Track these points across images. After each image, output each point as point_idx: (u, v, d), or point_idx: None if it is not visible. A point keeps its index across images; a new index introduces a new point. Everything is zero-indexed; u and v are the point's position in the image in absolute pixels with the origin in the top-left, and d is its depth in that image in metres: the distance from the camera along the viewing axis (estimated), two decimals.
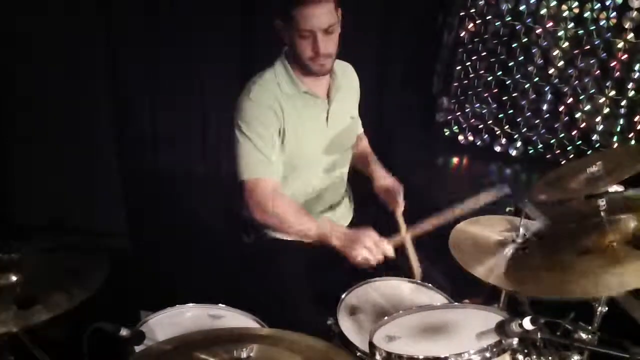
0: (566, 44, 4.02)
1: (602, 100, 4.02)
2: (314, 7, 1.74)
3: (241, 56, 3.12)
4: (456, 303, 1.69)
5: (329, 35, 1.80)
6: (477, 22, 4.23)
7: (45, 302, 1.47)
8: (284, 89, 1.90)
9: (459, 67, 4.36)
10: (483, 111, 4.38)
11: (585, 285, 1.36)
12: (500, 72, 4.27)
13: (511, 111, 4.30)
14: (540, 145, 4.25)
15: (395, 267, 1.87)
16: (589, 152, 4.02)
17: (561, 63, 4.07)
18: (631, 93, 3.94)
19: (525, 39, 4.13)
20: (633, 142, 3.96)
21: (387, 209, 2.02)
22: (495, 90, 4.32)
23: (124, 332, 1.42)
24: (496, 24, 4.19)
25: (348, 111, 2.07)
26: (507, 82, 4.26)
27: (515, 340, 1.34)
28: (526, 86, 4.20)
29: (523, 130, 4.28)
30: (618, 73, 3.94)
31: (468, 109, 4.41)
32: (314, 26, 1.77)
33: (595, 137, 4.09)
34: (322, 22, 1.77)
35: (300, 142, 1.93)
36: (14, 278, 1.57)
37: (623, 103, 3.98)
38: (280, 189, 1.87)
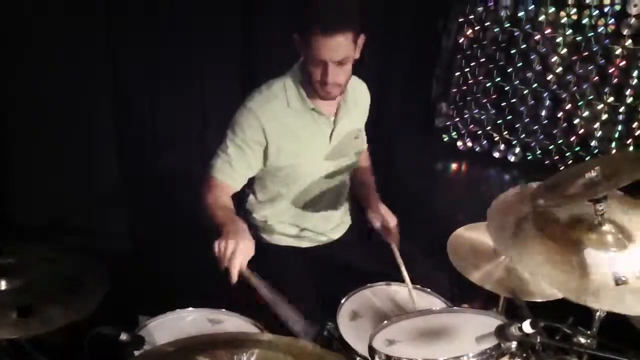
0: (565, 50, 4.04)
1: (600, 106, 4.04)
2: (329, 39, 1.69)
3: (241, 56, 3.13)
4: (455, 307, 1.70)
5: (341, 66, 1.76)
6: (476, 28, 4.25)
7: (43, 315, 1.48)
8: (291, 102, 1.88)
9: (457, 73, 4.37)
10: (482, 117, 4.39)
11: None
12: (498, 78, 4.29)
13: (510, 117, 4.31)
14: (539, 151, 4.26)
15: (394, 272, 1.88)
16: (587, 158, 4.04)
17: (560, 69, 4.09)
18: (629, 99, 3.97)
19: (524, 45, 4.15)
20: (631, 148, 3.98)
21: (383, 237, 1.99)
22: (494, 96, 4.34)
23: (124, 336, 1.42)
24: (495, 30, 4.21)
25: (354, 129, 2.05)
26: (506, 88, 4.28)
27: (514, 344, 1.35)
28: (525, 92, 4.22)
29: (522, 136, 4.29)
30: (616, 79, 3.96)
31: (467, 115, 4.42)
32: (325, 57, 1.72)
33: (593, 143, 4.11)
34: (336, 54, 1.72)
35: (300, 155, 1.92)
36: (14, 283, 1.57)
37: (621, 109, 4.00)
38: (228, 193, 1.86)
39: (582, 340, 1.54)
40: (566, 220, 1.57)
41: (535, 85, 4.18)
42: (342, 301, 1.76)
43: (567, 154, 4.18)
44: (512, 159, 4.33)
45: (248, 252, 1.55)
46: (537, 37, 4.09)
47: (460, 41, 4.30)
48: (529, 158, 4.29)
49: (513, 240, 1.52)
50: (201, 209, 1.79)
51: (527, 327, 1.27)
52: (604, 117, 4.05)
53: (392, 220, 1.95)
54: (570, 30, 4.01)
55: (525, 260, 1.47)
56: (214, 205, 1.76)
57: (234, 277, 1.53)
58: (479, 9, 4.21)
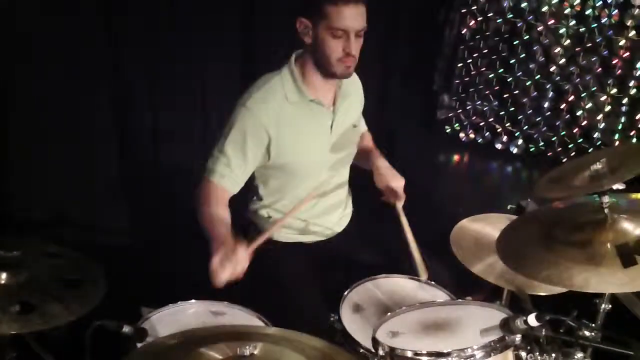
0: (568, 41, 4.02)
1: (603, 98, 4.02)
2: (353, 6, 1.71)
3: (242, 49, 3.12)
4: (459, 300, 1.69)
5: (358, 38, 1.78)
6: (479, 19, 4.22)
7: (45, 311, 1.48)
8: (289, 96, 1.86)
9: (460, 64, 4.36)
10: (484, 108, 4.38)
11: (559, 276, 1.39)
12: (501, 70, 4.27)
13: (512, 108, 4.30)
14: (542, 143, 4.25)
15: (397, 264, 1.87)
16: (590, 150, 4.03)
17: (563, 60, 4.07)
18: (633, 91, 3.95)
19: (527, 36, 4.13)
20: (634, 140, 3.97)
21: (388, 204, 1.99)
22: (497, 87, 4.32)
23: (126, 329, 1.42)
24: (498, 20, 4.19)
25: (352, 119, 2.04)
26: (509, 80, 4.26)
27: (518, 337, 1.34)
28: (527, 83, 4.20)
29: (524, 128, 4.28)
30: (620, 71, 3.95)
31: (469, 106, 4.41)
32: (349, 26, 1.73)
33: (596, 134, 4.09)
34: (358, 23, 1.74)
35: (302, 149, 1.90)
36: (17, 277, 1.57)
37: (624, 101, 3.98)
38: (225, 199, 1.83)
39: (587, 333, 1.54)
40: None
41: (538, 76, 4.17)
42: (345, 293, 1.76)
43: (569, 146, 4.17)
44: (514, 150, 4.31)
45: (239, 268, 1.54)
46: (540, 28, 4.07)
47: (463, 32, 4.28)
48: (531, 150, 4.28)
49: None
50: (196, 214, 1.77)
51: (532, 320, 1.27)
52: (607, 108, 4.03)
53: (397, 181, 1.93)
54: (574, 21, 3.99)
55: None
56: (209, 217, 1.73)
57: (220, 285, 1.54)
58: None
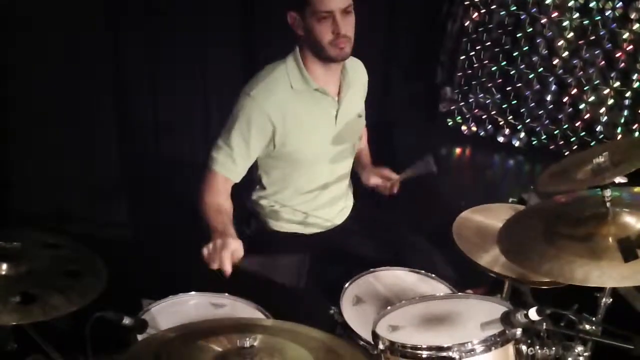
0: (571, 34, 3.99)
1: (606, 91, 4.00)
2: None
3: (242, 49, 3.12)
4: (459, 293, 1.69)
5: (347, 15, 1.78)
6: (482, 11, 4.20)
7: (46, 302, 1.48)
8: (294, 84, 1.87)
9: (462, 57, 4.33)
10: (487, 101, 4.35)
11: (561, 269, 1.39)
12: (504, 62, 4.25)
13: (515, 101, 4.28)
14: (544, 136, 4.23)
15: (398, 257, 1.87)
16: (592, 144, 4.01)
17: (566, 53, 4.04)
18: (636, 84, 3.92)
19: (530, 29, 4.10)
20: (637, 133, 3.95)
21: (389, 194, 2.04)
22: (499, 80, 4.30)
23: (126, 320, 1.42)
24: (501, 13, 4.16)
25: (356, 109, 2.04)
26: (512, 73, 4.23)
27: (519, 331, 1.34)
28: (530, 76, 4.18)
29: (527, 121, 4.26)
30: (623, 64, 3.92)
31: (472, 99, 4.39)
32: (332, 6, 1.75)
33: (599, 128, 4.07)
34: (341, 1, 1.76)
35: (306, 139, 1.91)
36: (18, 269, 1.57)
37: (628, 94, 3.96)
38: (228, 189, 1.86)
39: (587, 327, 1.54)
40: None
41: (541, 69, 4.14)
42: (345, 286, 1.76)
43: (572, 139, 4.14)
44: (516, 143, 4.30)
45: (236, 250, 1.58)
46: (544, 20, 4.04)
47: (466, 25, 4.25)
48: (533, 143, 4.26)
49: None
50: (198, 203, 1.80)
51: (533, 314, 1.26)
52: (610, 102, 4.01)
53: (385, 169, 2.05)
54: (577, 14, 3.96)
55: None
56: (211, 206, 1.78)
57: (228, 269, 1.56)
58: None
